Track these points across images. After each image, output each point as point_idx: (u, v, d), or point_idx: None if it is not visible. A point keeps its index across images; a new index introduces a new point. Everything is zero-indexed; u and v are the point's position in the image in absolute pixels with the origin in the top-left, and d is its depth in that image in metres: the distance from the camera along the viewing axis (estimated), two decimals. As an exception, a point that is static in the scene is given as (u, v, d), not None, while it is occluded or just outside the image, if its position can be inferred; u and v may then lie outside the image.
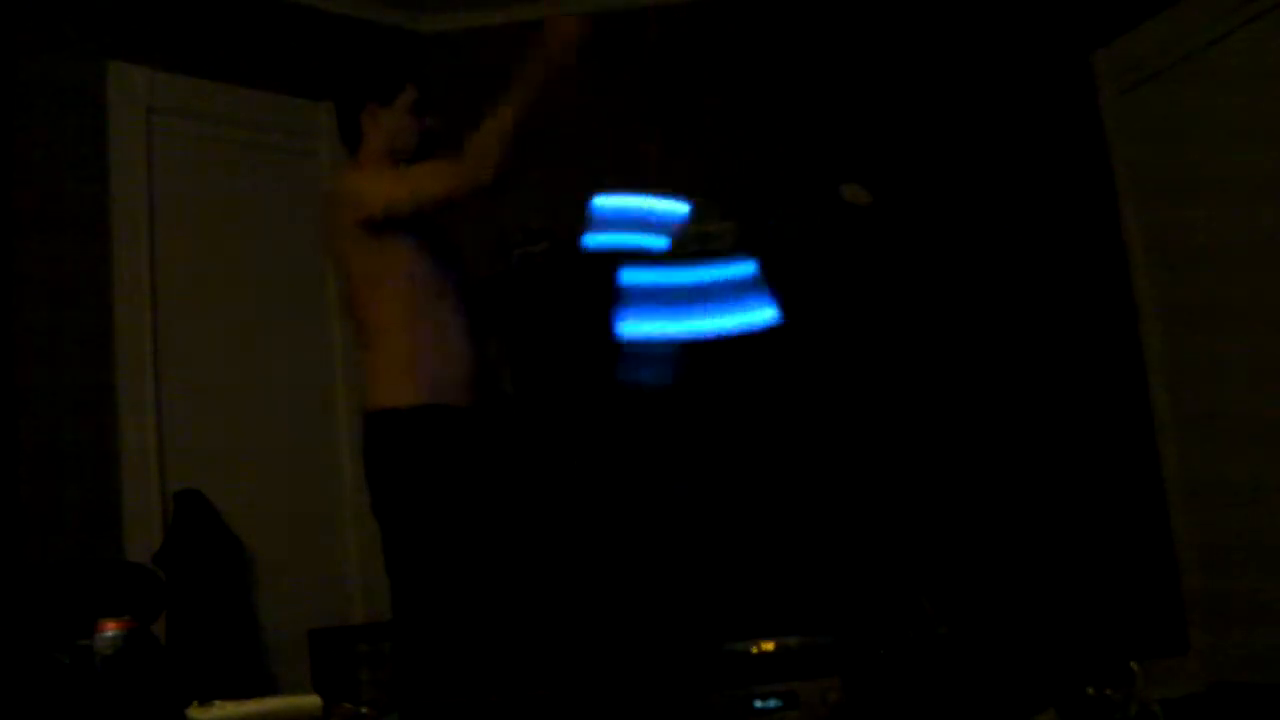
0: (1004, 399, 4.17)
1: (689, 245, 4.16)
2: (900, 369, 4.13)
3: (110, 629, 2.65)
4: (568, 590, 3.78)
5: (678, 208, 3.45)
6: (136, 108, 3.87)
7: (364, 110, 2.83)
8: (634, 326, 3.26)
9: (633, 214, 3.44)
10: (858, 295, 4.20)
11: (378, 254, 2.71)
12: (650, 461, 4.05)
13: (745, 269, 3.34)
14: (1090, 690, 3.11)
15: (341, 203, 2.76)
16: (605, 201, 3.43)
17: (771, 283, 3.30)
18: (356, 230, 2.70)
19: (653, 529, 3.96)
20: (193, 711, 2.73)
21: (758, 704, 3.63)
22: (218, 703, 2.83)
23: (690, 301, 3.26)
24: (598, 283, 4.29)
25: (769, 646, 3.71)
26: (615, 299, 3.34)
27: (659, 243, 3.51)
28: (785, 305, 4.06)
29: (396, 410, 2.66)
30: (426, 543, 2.64)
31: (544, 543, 3.47)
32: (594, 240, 3.48)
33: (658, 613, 3.84)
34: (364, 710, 3.34)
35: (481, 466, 2.72)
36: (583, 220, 4.40)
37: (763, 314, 3.26)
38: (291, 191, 4.26)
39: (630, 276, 3.31)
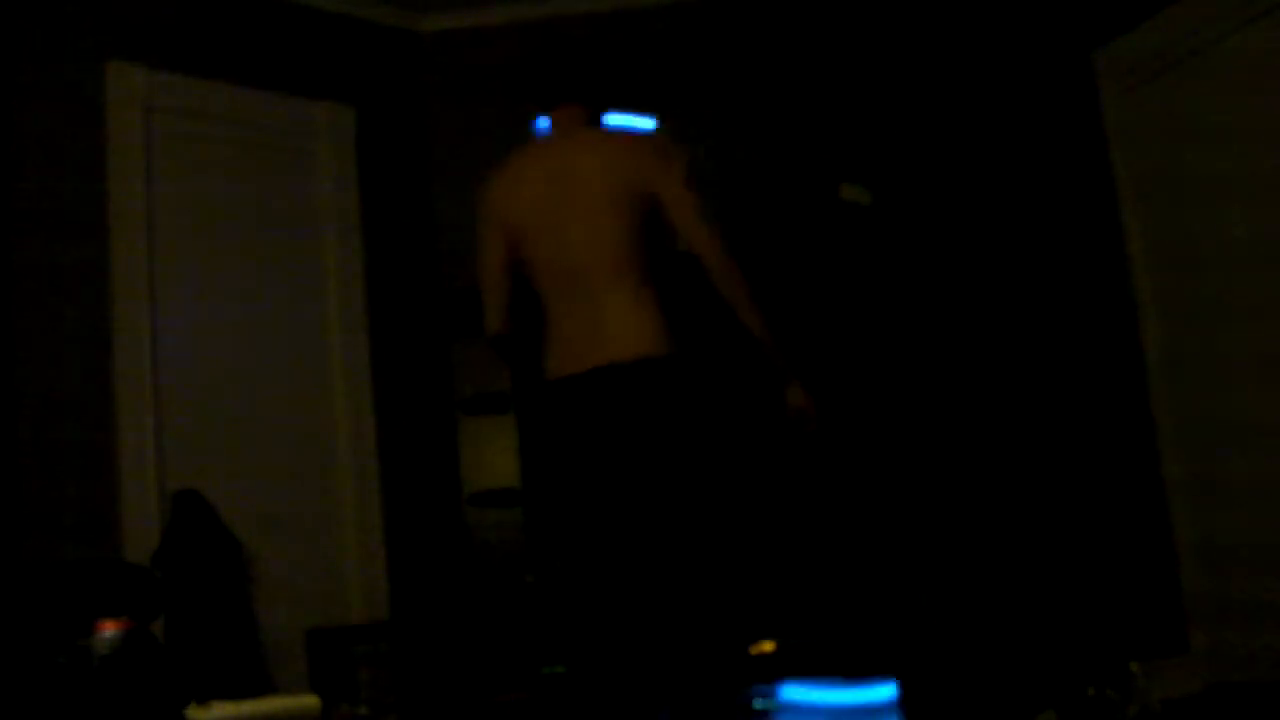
0: (1004, 399, 4.17)
1: None
2: (900, 369, 4.13)
3: (109, 629, 2.65)
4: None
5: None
6: (135, 107, 3.87)
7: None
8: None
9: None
10: (857, 295, 4.19)
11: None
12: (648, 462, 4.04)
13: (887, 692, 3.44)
14: (1090, 690, 3.11)
15: (681, 167, 2.75)
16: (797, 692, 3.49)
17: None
18: (682, 189, 2.70)
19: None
20: (192, 711, 2.73)
21: (759, 704, 3.62)
22: (217, 703, 2.83)
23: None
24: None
25: (769, 647, 3.70)
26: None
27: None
28: (787, 304, 4.07)
29: (674, 357, 2.66)
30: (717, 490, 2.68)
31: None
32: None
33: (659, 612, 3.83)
34: (363, 710, 3.34)
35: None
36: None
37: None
38: (290, 191, 4.25)
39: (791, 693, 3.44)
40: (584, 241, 2.69)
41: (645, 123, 4.12)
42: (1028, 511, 4.06)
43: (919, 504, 3.98)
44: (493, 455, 4.37)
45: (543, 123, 2.99)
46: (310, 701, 3.12)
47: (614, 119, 3.64)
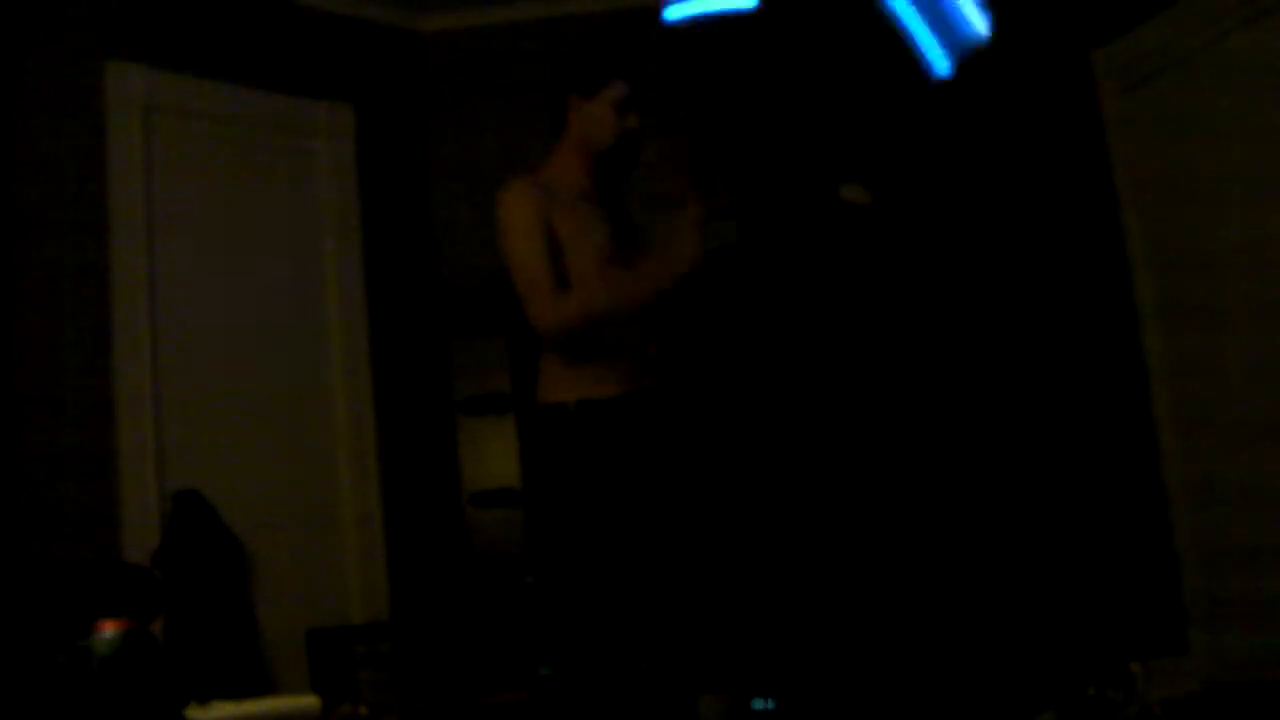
0: (1005, 399, 4.17)
1: None
2: (901, 371, 4.13)
3: (109, 629, 2.65)
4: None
5: None
6: (134, 107, 3.87)
7: (569, 98, 2.73)
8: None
9: None
10: (857, 295, 4.19)
11: None
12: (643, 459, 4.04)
13: None
14: (1090, 691, 3.11)
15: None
16: None
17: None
18: None
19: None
20: (192, 711, 2.73)
21: (757, 705, 3.62)
22: (217, 703, 2.83)
23: None
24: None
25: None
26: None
27: (747, 3, 3.38)
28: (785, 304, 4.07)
29: None
30: None
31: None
32: (674, 13, 3.35)
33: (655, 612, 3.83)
34: (363, 710, 3.34)
35: None
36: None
37: None
38: (290, 191, 4.25)
39: None
40: None
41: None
42: (1029, 512, 4.06)
43: (920, 505, 3.98)
44: (493, 455, 4.37)
45: None
46: (310, 701, 3.11)
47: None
